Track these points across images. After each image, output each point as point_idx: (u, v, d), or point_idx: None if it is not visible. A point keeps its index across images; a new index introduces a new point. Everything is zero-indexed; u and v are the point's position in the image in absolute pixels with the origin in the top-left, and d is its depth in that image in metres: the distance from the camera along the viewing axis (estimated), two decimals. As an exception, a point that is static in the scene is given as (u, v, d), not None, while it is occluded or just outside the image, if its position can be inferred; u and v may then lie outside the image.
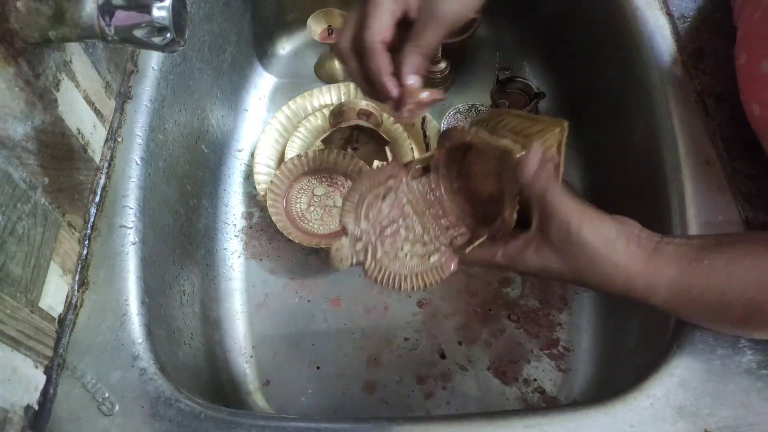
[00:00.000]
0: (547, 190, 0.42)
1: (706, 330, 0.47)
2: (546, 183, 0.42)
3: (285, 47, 0.94)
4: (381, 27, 0.44)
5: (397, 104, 0.47)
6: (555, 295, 0.70)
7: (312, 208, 0.75)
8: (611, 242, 0.42)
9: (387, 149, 0.78)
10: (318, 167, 0.76)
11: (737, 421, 0.44)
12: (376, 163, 0.77)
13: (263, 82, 0.90)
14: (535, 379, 0.66)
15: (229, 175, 0.80)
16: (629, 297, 0.43)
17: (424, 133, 0.73)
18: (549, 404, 0.64)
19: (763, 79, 0.49)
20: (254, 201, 0.79)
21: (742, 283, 0.41)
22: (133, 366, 0.48)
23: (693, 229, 0.52)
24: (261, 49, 0.91)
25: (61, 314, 0.49)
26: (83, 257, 0.52)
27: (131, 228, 0.54)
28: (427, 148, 0.74)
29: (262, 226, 0.78)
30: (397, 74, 0.46)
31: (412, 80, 0.46)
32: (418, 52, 0.45)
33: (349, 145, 0.80)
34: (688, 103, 0.58)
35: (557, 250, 0.43)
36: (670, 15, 0.65)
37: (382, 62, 0.45)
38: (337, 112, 0.77)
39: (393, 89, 0.46)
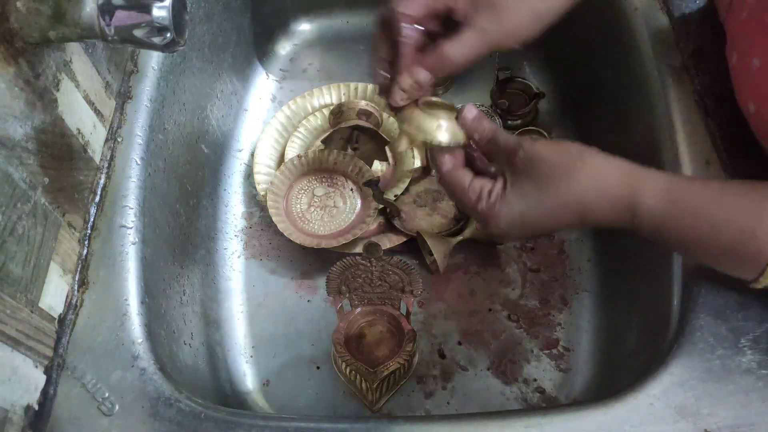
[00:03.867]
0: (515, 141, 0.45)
1: (706, 330, 0.47)
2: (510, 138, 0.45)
3: (285, 47, 0.94)
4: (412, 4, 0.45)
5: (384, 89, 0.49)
6: (555, 295, 0.70)
7: (312, 209, 0.75)
8: (591, 156, 0.43)
9: (387, 149, 0.78)
10: (318, 167, 0.76)
11: (737, 421, 0.44)
12: (376, 164, 0.77)
13: (263, 82, 0.90)
14: (535, 379, 0.66)
15: (229, 175, 0.80)
16: (616, 212, 0.43)
17: (424, 133, 0.72)
18: (549, 404, 0.64)
19: (754, 76, 0.49)
20: (254, 201, 0.79)
21: (733, 208, 0.41)
22: (133, 366, 0.48)
23: (693, 229, 0.52)
24: (261, 49, 0.91)
25: (61, 314, 0.49)
26: (83, 257, 0.52)
27: (131, 228, 0.54)
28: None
29: (262, 226, 0.78)
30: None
31: (422, 75, 0.47)
32: (441, 62, 0.47)
33: (349, 145, 0.80)
34: (688, 103, 0.59)
35: (535, 181, 0.43)
36: (670, 15, 0.65)
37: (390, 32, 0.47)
38: (337, 112, 0.77)
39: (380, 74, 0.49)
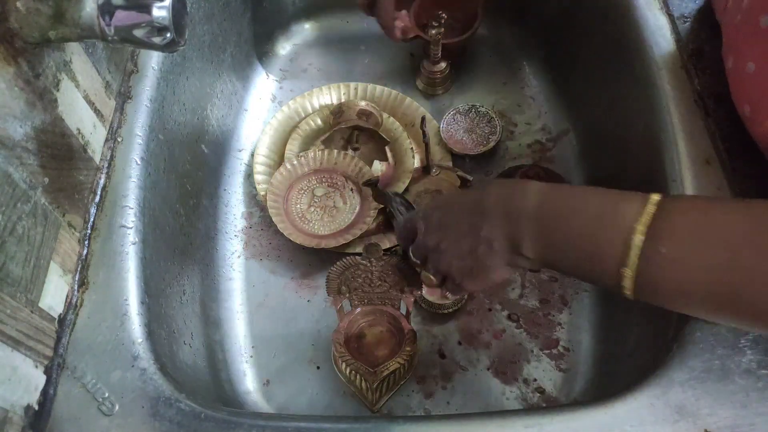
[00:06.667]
0: None
1: (707, 330, 0.47)
2: None
3: (285, 47, 0.94)
4: None
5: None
6: (555, 295, 0.70)
7: (312, 209, 0.75)
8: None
9: (387, 149, 0.78)
10: (318, 167, 0.76)
11: (737, 421, 0.44)
12: (376, 164, 0.77)
13: (263, 82, 0.90)
14: (535, 379, 0.66)
15: (229, 175, 0.80)
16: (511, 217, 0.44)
17: (424, 132, 0.72)
18: (549, 404, 0.64)
19: (749, 79, 0.50)
20: (254, 201, 0.79)
21: (592, 209, 0.41)
22: (133, 366, 0.48)
23: (693, 229, 0.52)
24: (261, 49, 0.91)
25: (61, 314, 0.49)
26: (83, 257, 0.52)
27: (131, 228, 0.54)
28: (427, 148, 0.74)
29: (262, 226, 0.78)
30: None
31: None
32: None
33: (349, 145, 0.80)
34: (688, 103, 0.58)
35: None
36: (670, 15, 0.65)
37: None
38: (337, 112, 0.77)
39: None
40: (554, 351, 0.67)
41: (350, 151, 0.77)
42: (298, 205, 0.75)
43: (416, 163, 0.77)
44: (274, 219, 0.72)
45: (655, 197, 0.39)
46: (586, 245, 0.41)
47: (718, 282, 0.36)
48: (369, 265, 0.62)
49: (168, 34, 0.41)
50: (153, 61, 0.63)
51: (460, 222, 0.48)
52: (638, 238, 0.38)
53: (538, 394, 0.65)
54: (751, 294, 0.35)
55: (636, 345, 0.58)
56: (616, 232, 0.39)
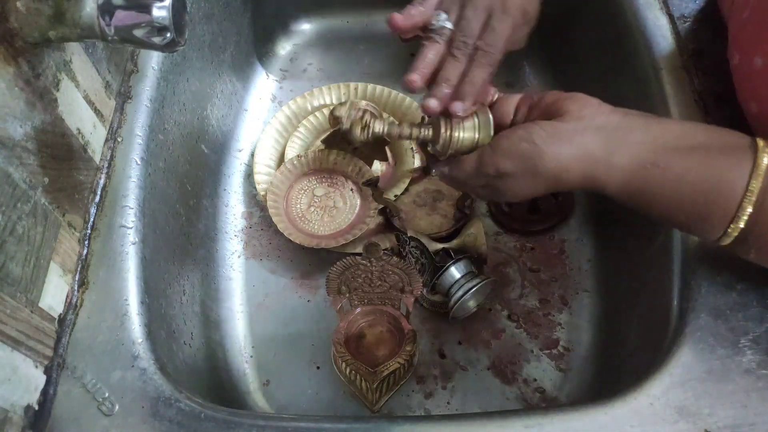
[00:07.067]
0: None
1: (706, 330, 0.47)
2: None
3: (285, 47, 0.94)
4: None
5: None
6: (555, 295, 0.70)
7: (312, 209, 0.75)
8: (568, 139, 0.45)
9: (387, 149, 0.78)
10: (318, 167, 0.76)
11: (737, 421, 0.44)
12: (376, 164, 0.77)
13: (263, 82, 0.90)
14: (535, 379, 0.66)
15: (229, 175, 0.80)
16: (584, 188, 0.46)
17: (424, 133, 0.72)
18: (549, 404, 0.64)
19: (756, 75, 0.49)
20: (254, 201, 0.79)
21: (692, 189, 0.42)
22: (133, 366, 0.48)
23: (693, 229, 0.52)
24: (261, 49, 0.91)
25: (61, 314, 0.49)
26: (83, 257, 0.52)
27: (131, 228, 0.54)
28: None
29: (262, 226, 0.78)
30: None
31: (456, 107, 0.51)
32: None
33: (349, 145, 0.80)
34: (688, 103, 0.59)
35: (510, 156, 0.46)
36: (670, 15, 0.65)
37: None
38: (337, 112, 0.77)
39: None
40: (554, 351, 0.67)
41: (350, 151, 0.77)
42: (298, 205, 0.75)
43: (416, 163, 0.77)
44: (274, 219, 0.72)
45: (762, 144, 0.40)
46: (680, 217, 0.43)
47: None
48: (369, 265, 0.62)
49: (168, 34, 0.41)
50: (153, 61, 0.63)
51: (524, 186, 0.47)
52: (748, 204, 0.39)
53: (538, 394, 0.65)
54: None
55: (636, 345, 0.58)
56: (723, 206, 0.40)
